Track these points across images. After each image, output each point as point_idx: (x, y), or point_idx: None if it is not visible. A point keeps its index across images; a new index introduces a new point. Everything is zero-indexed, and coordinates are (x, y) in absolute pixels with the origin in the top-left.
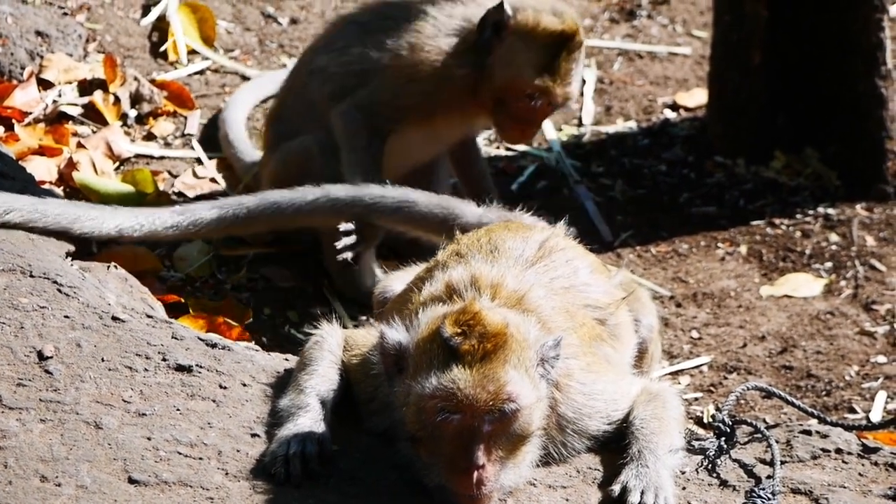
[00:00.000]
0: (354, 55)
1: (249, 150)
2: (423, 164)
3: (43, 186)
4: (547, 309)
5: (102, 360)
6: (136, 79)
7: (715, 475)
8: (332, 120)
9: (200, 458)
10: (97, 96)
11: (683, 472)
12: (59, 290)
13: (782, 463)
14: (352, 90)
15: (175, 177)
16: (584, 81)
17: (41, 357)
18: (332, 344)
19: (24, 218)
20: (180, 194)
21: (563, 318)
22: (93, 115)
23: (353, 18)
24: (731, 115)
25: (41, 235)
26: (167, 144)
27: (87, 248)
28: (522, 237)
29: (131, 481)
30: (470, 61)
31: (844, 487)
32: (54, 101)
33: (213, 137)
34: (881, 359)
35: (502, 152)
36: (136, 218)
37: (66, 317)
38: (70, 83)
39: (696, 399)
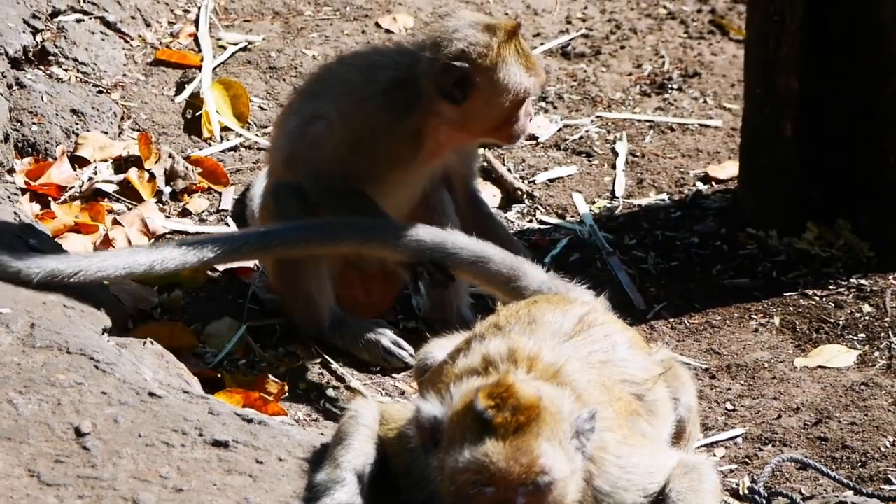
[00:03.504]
0: (294, 125)
1: None
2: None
3: None
4: (583, 382)
5: (139, 435)
6: (170, 156)
7: None
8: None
9: None
10: (132, 173)
11: None
12: (96, 367)
13: None
14: (302, 159)
15: None
16: (617, 154)
17: (78, 433)
18: (368, 418)
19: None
20: (210, 268)
21: (598, 392)
22: (128, 192)
23: (299, 89)
24: (763, 187)
25: (79, 313)
26: (202, 220)
27: (124, 324)
28: (562, 311)
29: None
30: (413, 109)
31: None
32: (90, 179)
33: (245, 213)
34: None
35: (535, 225)
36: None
37: (104, 393)
38: (105, 160)
39: (732, 471)
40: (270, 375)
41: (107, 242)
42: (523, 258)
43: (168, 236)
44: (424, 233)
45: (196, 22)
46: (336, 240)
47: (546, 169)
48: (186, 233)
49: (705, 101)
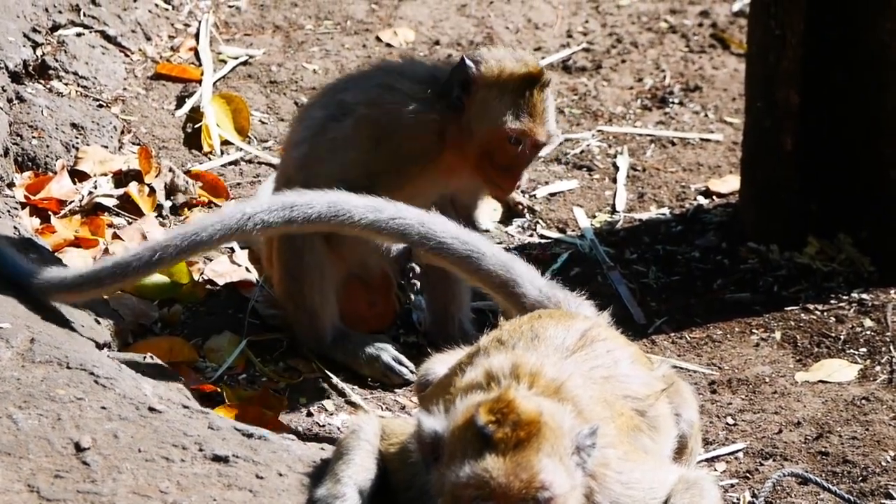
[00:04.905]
0: (318, 116)
1: None
2: None
3: None
4: (584, 398)
5: (139, 450)
6: (170, 170)
7: None
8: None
9: None
10: (132, 187)
11: None
12: (96, 382)
13: None
14: (322, 164)
15: None
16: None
17: (78, 448)
18: (369, 433)
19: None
20: (210, 282)
21: (600, 408)
22: (128, 206)
23: (325, 86)
24: (763, 202)
25: (79, 328)
26: None
27: (124, 339)
28: (565, 326)
29: None
30: (438, 107)
31: None
32: (90, 193)
33: None
34: None
35: (535, 240)
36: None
37: (103, 408)
38: (105, 175)
39: (732, 486)
40: (271, 390)
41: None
42: (519, 261)
43: None
44: (412, 219)
45: (196, 36)
46: (318, 220)
47: (547, 183)
48: None
49: (706, 115)
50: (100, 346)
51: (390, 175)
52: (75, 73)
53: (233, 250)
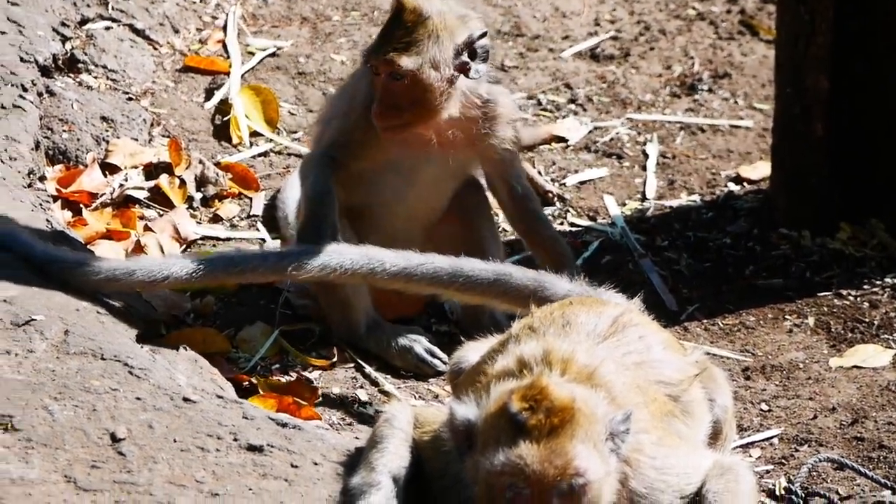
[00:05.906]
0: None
1: None
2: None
3: None
4: (617, 384)
5: (174, 440)
6: (200, 162)
7: None
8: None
9: None
10: (163, 180)
11: None
12: (131, 373)
13: None
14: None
15: None
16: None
17: (114, 439)
18: (403, 421)
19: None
20: None
21: (633, 394)
22: (159, 198)
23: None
24: (794, 187)
25: (112, 319)
26: (233, 226)
27: (157, 330)
28: (596, 312)
29: None
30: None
31: None
32: (121, 185)
33: (275, 218)
34: None
35: (566, 228)
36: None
37: (138, 398)
38: (136, 167)
39: (768, 472)
40: (304, 380)
41: (139, 249)
42: (543, 271)
43: (199, 242)
44: (441, 261)
45: (224, 28)
46: (351, 269)
47: (577, 171)
48: (218, 239)
49: (736, 102)
50: (133, 338)
51: (364, 142)
52: (104, 67)
53: (263, 241)
